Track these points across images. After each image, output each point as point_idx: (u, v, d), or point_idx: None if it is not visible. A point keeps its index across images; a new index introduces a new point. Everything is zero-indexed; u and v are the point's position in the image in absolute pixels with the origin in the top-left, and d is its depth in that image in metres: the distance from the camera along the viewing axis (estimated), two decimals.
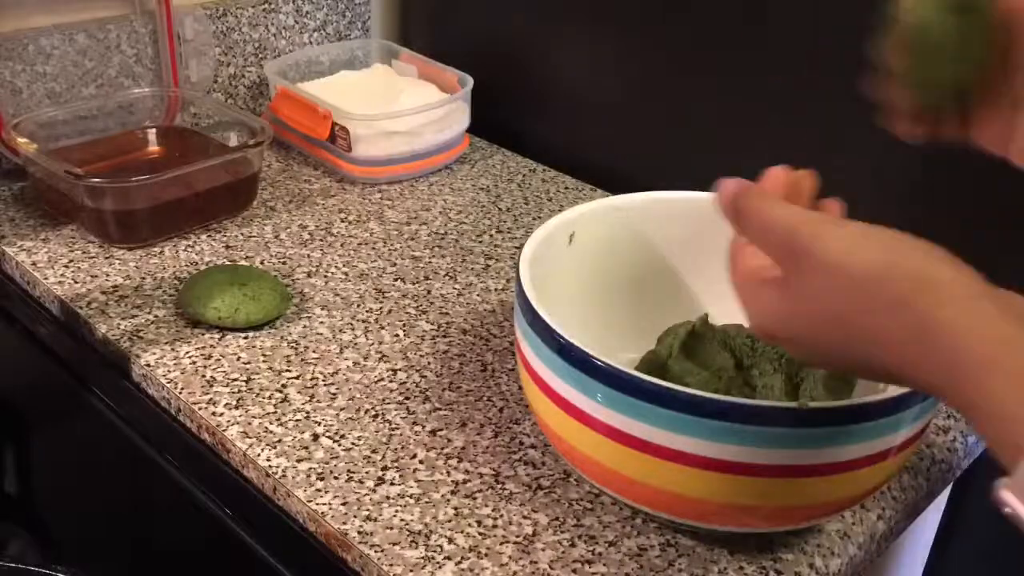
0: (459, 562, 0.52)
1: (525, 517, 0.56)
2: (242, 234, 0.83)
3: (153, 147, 0.91)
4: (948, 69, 0.44)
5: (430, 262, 0.80)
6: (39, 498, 0.88)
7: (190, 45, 0.96)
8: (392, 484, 0.57)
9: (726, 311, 0.64)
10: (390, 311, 0.73)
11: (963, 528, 0.79)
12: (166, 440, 0.65)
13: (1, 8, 0.85)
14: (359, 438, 0.61)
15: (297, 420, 0.62)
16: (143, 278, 0.75)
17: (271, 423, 0.61)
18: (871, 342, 0.36)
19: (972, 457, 0.68)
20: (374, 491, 0.56)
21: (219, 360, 0.67)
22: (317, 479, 0.57)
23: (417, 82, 1.01)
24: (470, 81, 0.96)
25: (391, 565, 0.52)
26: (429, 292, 0.76)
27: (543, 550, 0.54)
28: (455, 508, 0.56)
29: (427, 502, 0.56)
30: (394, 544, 0.53)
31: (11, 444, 0.87)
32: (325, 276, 0.77)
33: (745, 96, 0.84)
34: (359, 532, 0.54)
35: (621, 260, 0.66)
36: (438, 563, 0.52)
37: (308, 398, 0.64)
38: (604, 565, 0.53)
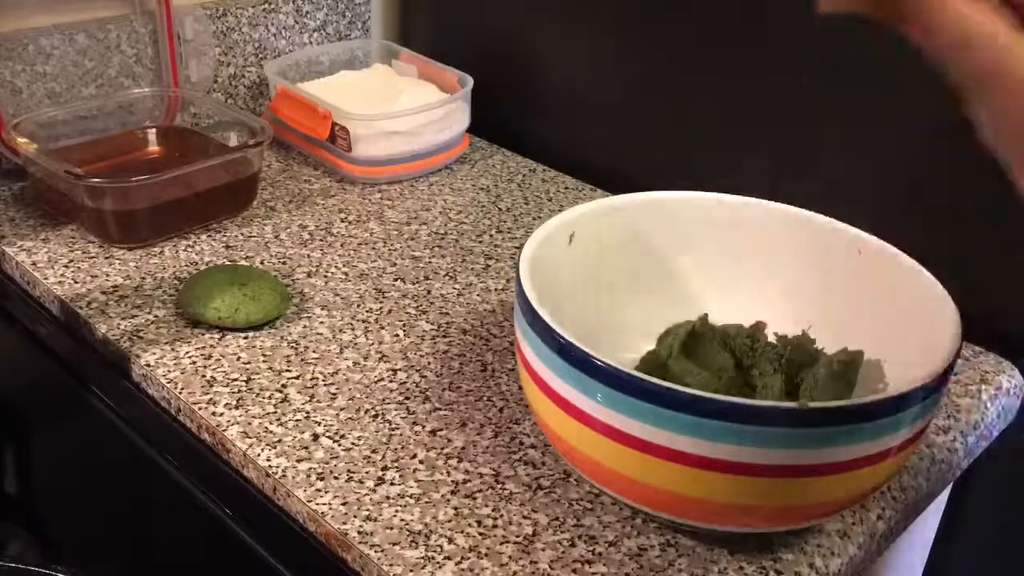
0: (459, 562, 0.52)
1: (525, 517, 0.56)
2: (242, 234, 0.83)
3: (153, 147, 0.91)
4: None
5: (430, 262, 0.80)
6: (39, 498, 0.88)
7: (190, 45, 0.96)
8: (392, 484, 0.57)
9: (726, 311, 0.64)
10: (390, 311, 0.73)
11: (963, 528, 0.79)
12: (166, 440, 0.65)
13: (1, 8, 0.85)
14: (359, 438, 0.61)
15: (297, 420, 0.62)
16: (143, 278, 0.75)
17: (271, 423, 0.61)
18: None
19: (972, 457, 0.68)
20: (374, 491, 0.56)
21: (219, 360, 0.67)
22: (317, 479, 0.57)
23: (417, 82, 1.01)
24: (470, 81, 0.96)
25: (391, 565, 0.52)
26: (429, 292, 0.76)
27: (543, 550, 0.54)
28: (455, 508, 0.56)
29: (427, 502, 0.56)
30: (394, 544, 0.53)
31: (11, 444, 0.87)
32: (325, 276, 0.77)
33: (745, 96, 0.84)
34: (359, 532, 0.54)
35: (621, 260, 0.66)
36: (438, 563, 0.52)
37: (308, 398, 0.64)
38: (604, 565, 0.53)
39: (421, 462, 0.59)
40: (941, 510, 0.78)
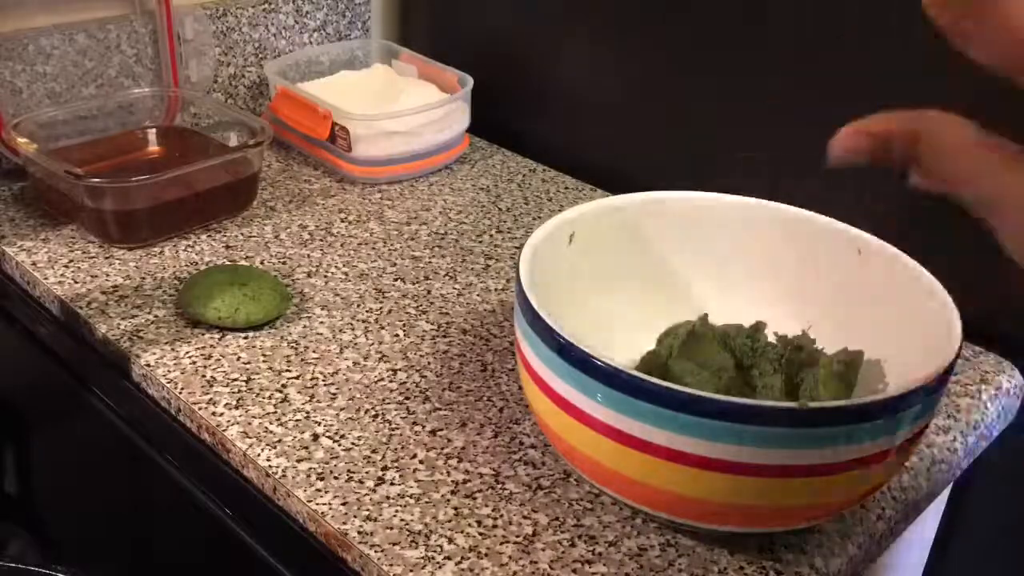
0: (459, 562, 0.52)
1: (525, 517, 0.56)
2: (242, 234, 0.83)
3: (153, 147, 0.91)
4: None
5: (430, 262, 0.80)
6: (39, 498, 0.88)
7: (190, 45, 0.96)
8: (392, 484, 0.57)
9: (726, 311, 0.64)
10: (390, 311, 0.73)
11: (963, 528, 0.79)
12: (166, 440, 0.65)
13: (1, 8, 0.85)
14: (359, 438, 0.61)
15: (297, 420, 0.62)
16: (143, 278, 0.75)
17: (271, 423, 0.61)
18: None
19: (972, 457, 0.68)
20: (374, 491, 0.56)
21: (219, 360, 0.67)
22: (317, 479, 0.57)
23: (417, 82, 1.01)
24: (470, 81, 0.96)
25: (391, 565, 0.52)
26: (429, 292, 0.76)
27: (543, 550, 0.54)
28: (455, 508, 0.56)
29: (427, 502, 0.56)
30: (394, 544, 0.53)
31: (11, 444, 0.87)
32: (325, 276, 0.77)
33: (745, 96, 0.84)
34: (359, 532, 0.54)
35: (621, 260, 0.66)
36: (438, 563, 0.52)
37: (308, 398, 0.64)
38: (604, 565, 0.53)
39: (421, 462, 0.59)
40: (941, 510, 0.78)
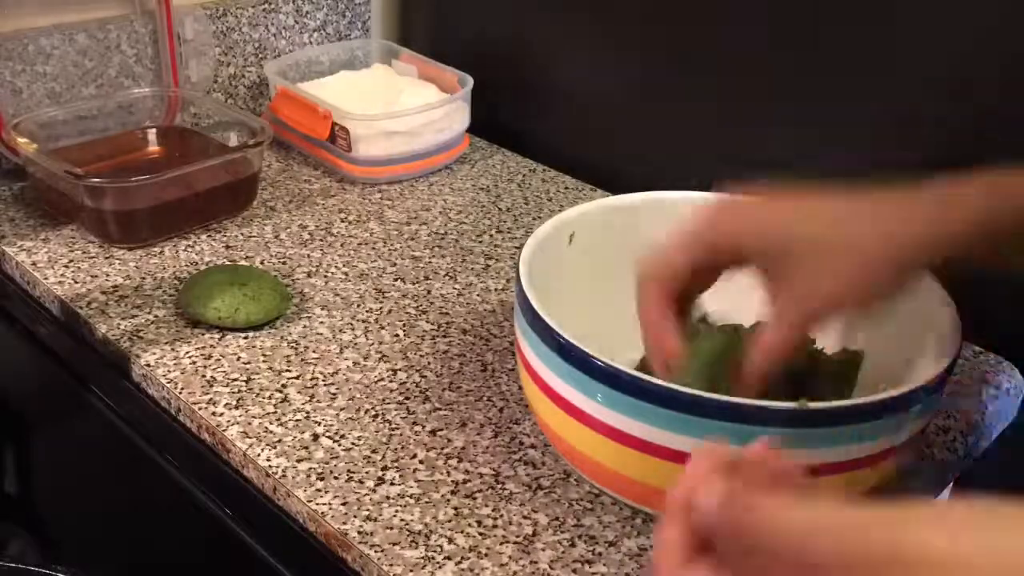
0: (459, 562, 0.52)
1: (525, 517, 0.56)
2: (242, 234, 0.83)
3: (153, 147, 0.91)
4: None
5: (430, 262, 0.80)
6: (39, 498, 0.88)
7: (190, 45, 0.96)
8: (392, 484, 0.57)
9: (726, 311, 0.64)
10: (390, 311, 0.73)
11: None
12: (166, 440, 0.65)
13: (1, 8, 0.85)
14: (359, 438, 0.61)
15: (297, 420, 0.62)
16: (143, 278, 0.75)
17: (271, 423, 0.61)
18: None
19: (972, 457, 0.68)
20: (374, 491, 0.56)
21: (219, 360, 0.67)
22: (317, 479, 0.57)
23: (417, 82, 1.01)
24: (470, 81, 0.96)
25: (391, 565, 0.52)
26: (429, 292, 0.76)
27: (543, 550, 0.54)
28: (455, 508, 0.56)
29: (427, 502, 0.56)
30: (394, 544, 0.53)
31: (11, 444, 0.87)
32: (325, 276, 0.77)
33: (745, 96, 0.84)
34: (359, 532, 0.54)
35: (621, 260, 0.66)
36: (438, 563, 0.52)
37: (308, 398, 0.64)
38: (604, 565, 0.53)
39: (421, 462, 0.59)
40: None
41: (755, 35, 0.81)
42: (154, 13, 0.92)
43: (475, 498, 0.57)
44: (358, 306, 0.74)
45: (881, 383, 0.58)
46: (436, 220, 0.87)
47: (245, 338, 0.69)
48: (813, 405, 0.46)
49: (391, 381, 0.66)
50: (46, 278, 0.75)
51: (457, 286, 0.77)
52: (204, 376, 0.65)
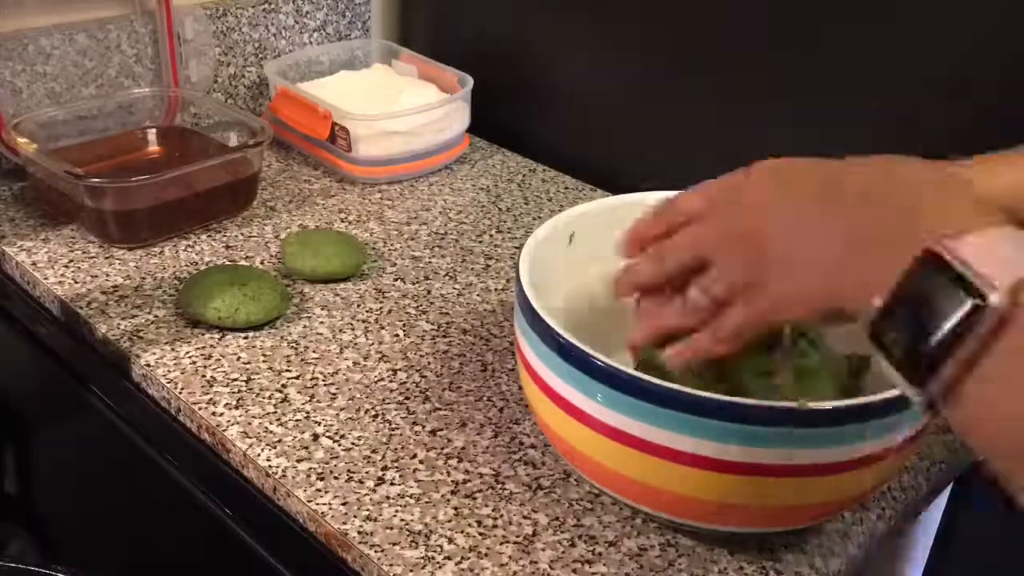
0: (459, 562, 0.52)
1: (525, 517, 0.56)
2: (242, 234, 0.83)
3: (153, 147, 0.91)
4: None
5: (430, 262, 0.80)
6: (39, 498, 0.88)
7: (190, 45, 0.96)
8: (392, 484, 0.57)
9: None
10: (390, 311, 0.73)
11: (963, 528, 0.79)
12: (166, 440, 0.65)
13: (1, 8, 0.85)
14: (359, 438, 0.61)
15: (297, 420, 0.62)
16: (143, 278, 0.75)
17: (271, 423, 0.61)
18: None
19: (972, 458, 0.68)
20: (374, 491, 0.56)
21: (219, 360, 0.67)
22: (317, 479, 0.57)
23: (417, 82, 1.01)
24: (470, 81, 0.96)
25: (391, 565, 0.52)
26: (429, 292, 0.76)
27: (543, 550, 0.54)
28: (455, 508, 0.56)
29: (427, 502, 0.56)
30: (394, 544, 0.53)
31: (11, 444, 0.87)
32: None
33: (745, 96, 0.84)
34: (359, 532, 0.54)
35: (621, 260, 0.66)
36: (438, 563, 0.52)
37: (308, 398, 0.64)
38: (604, 565, 0.53)
39: (421, 462, 0.59)
40: (941, 510, 0.78)
41: (755, 35, 0.81)
42: (154, 13, 0.92)
43: (475, 498, 0.57)
44: (358, 306, 0.74)
45: (881, 383, 0.58)
46: (436, 220, 0.87)
47: (245, 338, 0.69)
48: (813, 405, 0.46)
49: (391, 381, 0.66)
50: (46, 278, 0.75)
51: (457, 286, 0.77)
52: (204, 376, 0.65)
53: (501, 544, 0.54)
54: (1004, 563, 0.79)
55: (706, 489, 0.49)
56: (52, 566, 0.58)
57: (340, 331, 0.71)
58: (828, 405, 0.47)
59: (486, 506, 0.56)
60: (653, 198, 0.66)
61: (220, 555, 0.66)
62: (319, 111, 0.92)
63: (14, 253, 0.78)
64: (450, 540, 0.54)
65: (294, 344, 0.69)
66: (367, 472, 0.58)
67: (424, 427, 0.62)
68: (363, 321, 0.72)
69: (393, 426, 0.62)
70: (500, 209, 0.90)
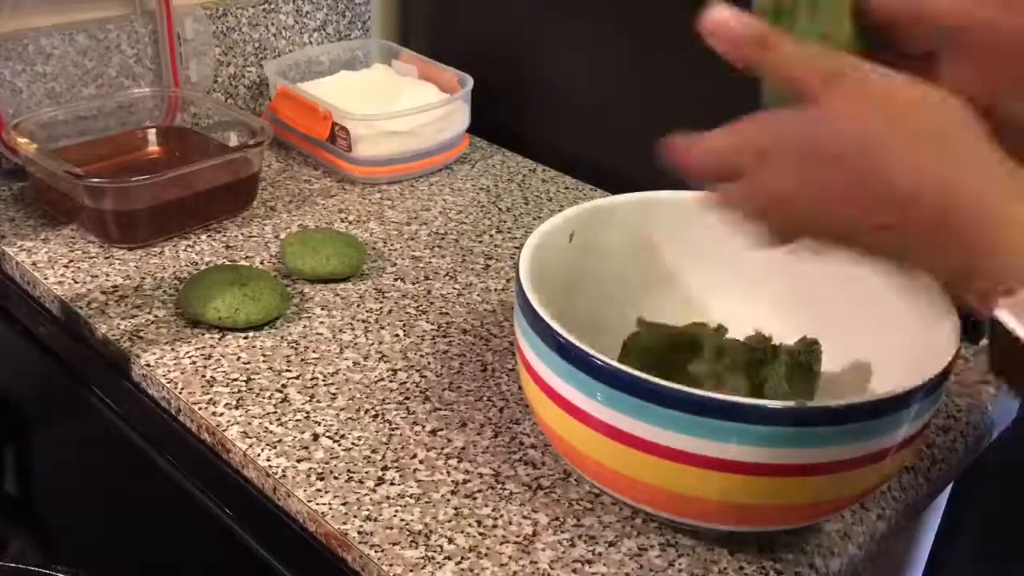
0: (459, 562, 0.52)
1: (525, 517, 0.56)
2: (242, 234, 0.83)
3: (153, 147, 0.91)
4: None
5: (430, 262, 0.80)
6: (39, 498, 0.88)
7: (190, 45, 0.96)
8: (392, 484, 0.57)
9: (726, 311, 0.64)
10: (390, 311, 0.73)
11: (963, 528, 0.79)
12: (166, 440, 0.65)
13: (1, 8, 0.85)
14: (359, 438, 0.61)
15: (297, 420, 0.62)
16: (143, 278, 0.75)
17: (271, 423, 0.61)
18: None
19: (972, 457, 0.68)
20: (374, 491, 0.56)
21: (219, 360, 0.67)
22: (317, 479, 0.57)
23: (417, 82, 1.01)
24: (470, 81, 0.96)
25: (391, 565, 0.52)
26: (429, 292, 0.76)
27: (543, 550, 0.54)
28: (455, 508, 0.56)
29: (427, 502, 0.56)
30: (394, 544, 0.53)
31: (11, 444, 0.87)
32: None
33: (745, 96, 0.83)
34: (359, 532, 0.54)
35: (621, 260, 0.66)
36: (438, 563, 0.52)
37: (308, 398, 0.64)
38: (604, 565, 0.53)
39: (421, 462, 0.59)
40: (941, 510, 0.78)
41: None
42: (154, 13, 0.92)
43: (475, 498, 0.57)
44: (358, 306, 0.74)
45: (881, 383, 0.58)
46: (436, 220, 0.87)
47: (245, 338, 0.69)
48: (813, 405, 0.46)
49: (391, 381, 0.66)
50: (46, 278, 0.75)
51: (457, 286, 0.77)
52: (204, 376, 0.65)
53: (501, 544, 0.54)
54: (1004, 563, 0.79)
55: (706, 488, 0.49)
56: (52, 566, 0.58)
57: (340, 331, 0.71)
58: (828, 405, 0.47)
59: (486, 506, 0.56)
60: (653, 198, 0.67)
61: (220, 555, 0.66)
62: (319, 111, 0.92)
63: (14, 253, 0.78)
64: (450, 540, 0.54)
65: (294, 344, 0.69)
66: (367, 472, 0.58)
67: (424, 427, 0.62)
68: (363, 321, 0.72)
69: (393, 426, 0.62)
70: (500, 209, 0.90)
